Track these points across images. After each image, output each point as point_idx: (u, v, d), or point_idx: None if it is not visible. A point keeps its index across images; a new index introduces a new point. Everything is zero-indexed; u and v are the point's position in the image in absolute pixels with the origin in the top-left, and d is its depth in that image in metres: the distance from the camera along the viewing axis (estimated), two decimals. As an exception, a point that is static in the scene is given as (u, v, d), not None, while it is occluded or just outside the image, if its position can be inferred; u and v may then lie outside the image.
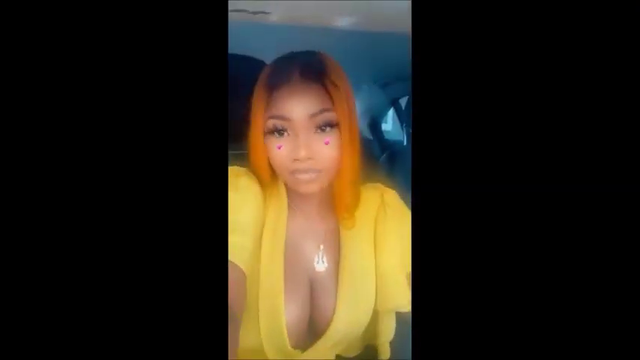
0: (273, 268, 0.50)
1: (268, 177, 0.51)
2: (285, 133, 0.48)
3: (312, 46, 0.54)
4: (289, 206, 0.54)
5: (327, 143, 0.48)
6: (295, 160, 0.47)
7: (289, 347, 0.50)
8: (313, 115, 0.47)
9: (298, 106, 0.47)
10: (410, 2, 0.36)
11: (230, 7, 0.60)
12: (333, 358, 0.57)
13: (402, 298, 0.55)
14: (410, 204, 0.49)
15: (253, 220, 0.49)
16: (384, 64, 1.17)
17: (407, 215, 0.57)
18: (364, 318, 0.54)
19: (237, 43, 0.60)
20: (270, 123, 0.48)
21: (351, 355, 0.63)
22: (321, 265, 0.54)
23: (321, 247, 0.55)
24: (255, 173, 0.52)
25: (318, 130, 0.47)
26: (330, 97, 0.47)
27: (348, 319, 0.52)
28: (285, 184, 0.53)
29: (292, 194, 0.54)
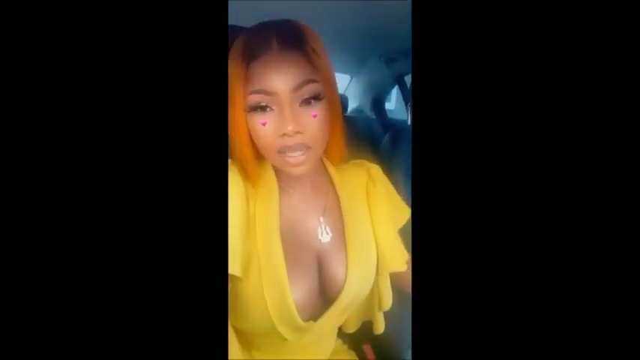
0: (272, 257, 0.49)
1: (252, 159, 0.48)
2: (269, 109, 0.45)
3: (314, 18, 0.50)
4: (281, 188, 0.52)
5: (314, 116, 0.45)
6: (283, 135, 0.45)
7: (301, 322, 0.50)
8: (298, 87, 0.44)
9: (281, 78, 0.43)
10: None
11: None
12: (341, 323, 0.60)
13: (398, 258, 0.58)
14: (410, 187, 0.48)
15: (239, 220, 0.47)
16: (391, 38, 1.13)
17: (391, 187, 0.61)
18: (370, 279, 0.56)
19: (233, 18, 0.57)
20: (252, 99, 0.44)
21: (351, 330, 0.66)
22: (325, 236, 0.54)
23: (321, 219, 0.55)
24: (238, 156, 0.49)
25: (303, 103, 0.45)
26: (313, 66, 0.45)
27: (357, 281, 0.54)
28: (274, 166, 0.51)
29: (283, 176, 0.52)
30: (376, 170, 0.61)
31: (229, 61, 0.47)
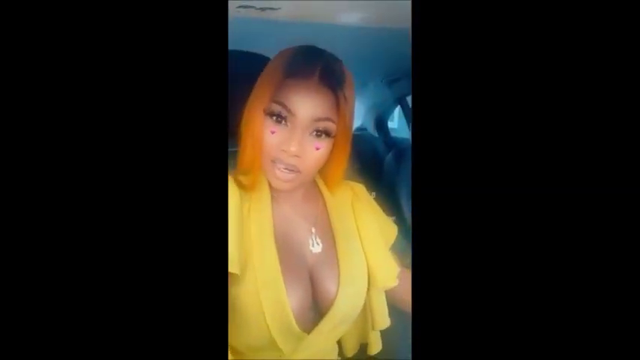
0: (267, 260, 0.50)
1: (252, 158, 0.50)
2: (284, 122, 0.48)
3: (319, 42, 0.53)
4: (272, 196, 0.54)
5: (317, 149, 0.49)
6: (283, 151, 0.48)
7: (297, 329, 0.50)
8: (317, 119, 0.48)
9: (307, 106, 0.47)
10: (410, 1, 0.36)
11: (236, 4, 0.60)
12: (336, 340, 0.59)
13: (389, 273, 0.58)
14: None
15: (234, 222, 0.48)
16: (391, 60, 1.17)
17: (376, 205, 0.64)
18: (362, 293, 0.56)
19: (242, 40, 0.60)
20: (274, 107, 0.48)
21: (350, 354, 0.65)
22: (316, 247, 0.55)
23: (313, 229, 0.56)
24: (245, 152, 0.51)
25: (314, 133, 0.49)
26: (338, 110, 0.48)
27: (349, 295, 0.54)
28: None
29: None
30: (360, 188, 0.63)
31: (266, 68, 0.50)
